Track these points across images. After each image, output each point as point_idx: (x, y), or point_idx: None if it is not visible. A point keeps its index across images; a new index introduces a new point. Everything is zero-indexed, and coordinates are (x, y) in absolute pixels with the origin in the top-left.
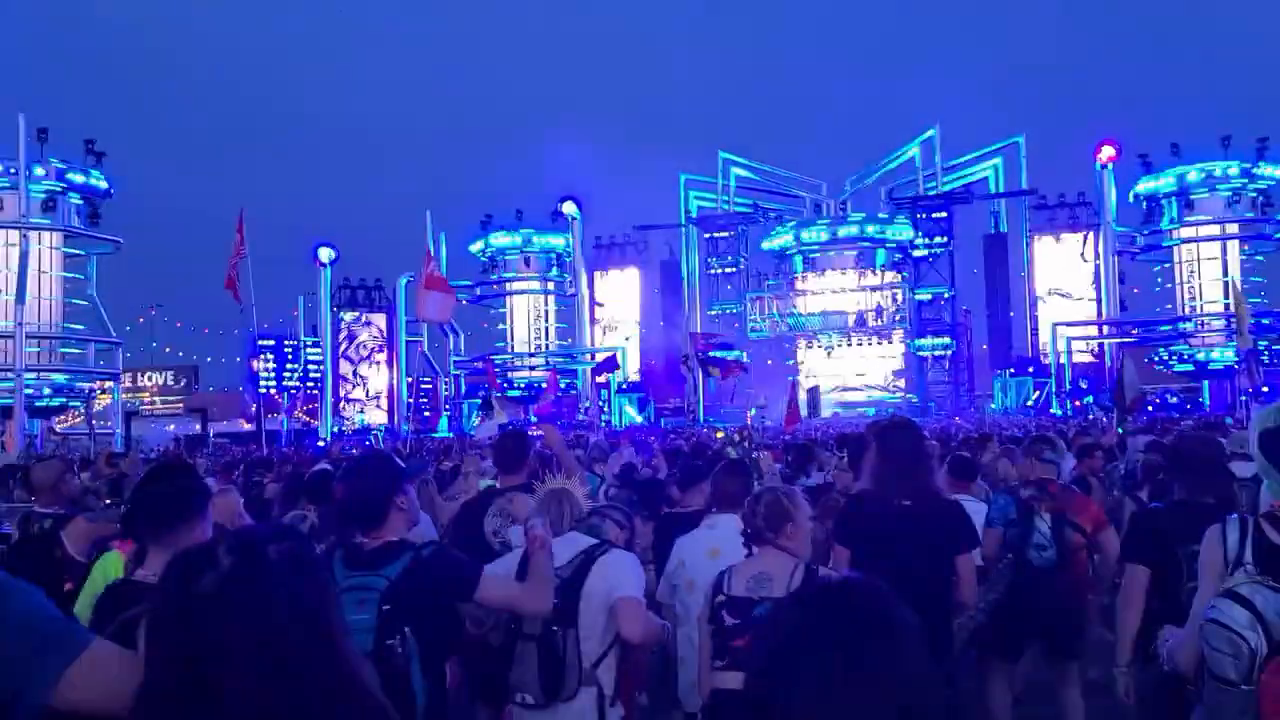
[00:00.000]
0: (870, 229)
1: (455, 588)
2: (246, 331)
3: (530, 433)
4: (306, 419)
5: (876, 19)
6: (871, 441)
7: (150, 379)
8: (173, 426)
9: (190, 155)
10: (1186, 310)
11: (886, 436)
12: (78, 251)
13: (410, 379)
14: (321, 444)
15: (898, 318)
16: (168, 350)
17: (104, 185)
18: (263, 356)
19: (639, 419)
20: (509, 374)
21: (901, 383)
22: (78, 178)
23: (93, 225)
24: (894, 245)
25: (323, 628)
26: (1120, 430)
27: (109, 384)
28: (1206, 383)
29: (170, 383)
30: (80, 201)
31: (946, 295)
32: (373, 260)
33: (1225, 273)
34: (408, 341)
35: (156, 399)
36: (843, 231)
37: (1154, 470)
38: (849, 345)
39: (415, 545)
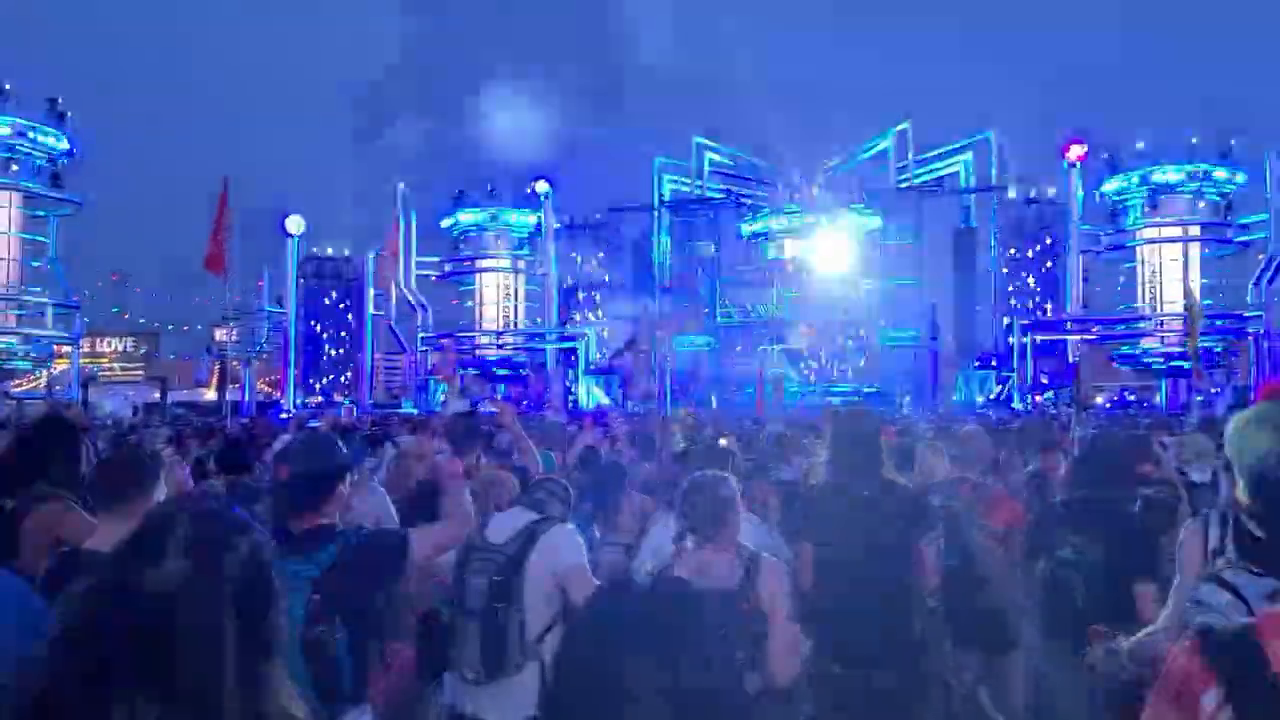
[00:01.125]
0: (842, 219)
1: (391, 563)
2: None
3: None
4: (269, 390)
5: (857, 9)
6: (827, 430)
7: (110, 345)
8: (132, 393)
9: (157, 118)
10: (1148, 310)
11: (841, 425)
12: (38, 213)
13: (377, 355)
14: (285, 416)
15: (865, 309)
16: (127, 316)
17: (65, 145)
18: (227, 327)
19: (606, 401)
20: (476, 352)
21: (867, 374)
22: (39, 136)
23: (54, 186)
24: (863, 236)
25: (269, 648)
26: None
27: (67, 348)
28: (1164, 381)
29: (130, 349)
30: (42, 161)
31: (915, 287)
32: (341, 233)
33: (1186, 274)
34: (374, 316)
35: (115, 365)
36: (814, 221)
37: None
38: (816, 334)
39: (344, 531)
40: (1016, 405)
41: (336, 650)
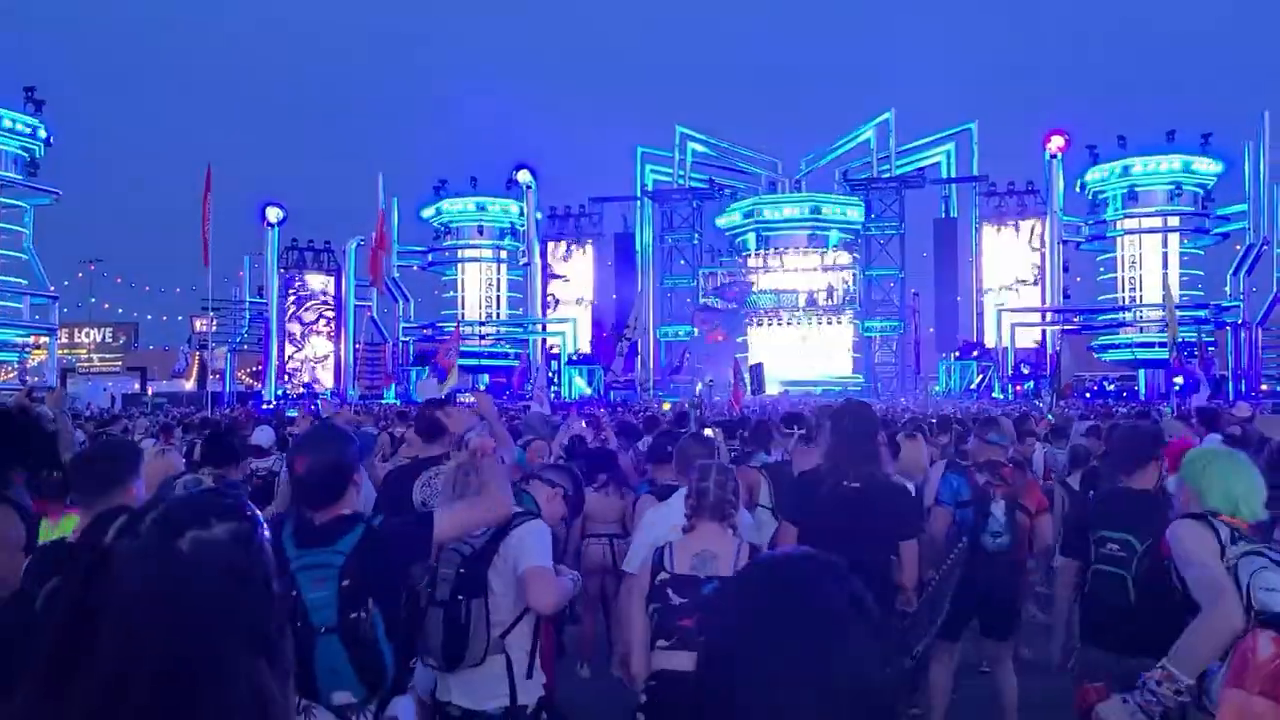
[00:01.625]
0: (824, 209)
1: (414, 547)
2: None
3: (464, 400)
4: (250, 381)
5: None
6: (826, 422)
7: (88, 335)
8: (111, 384)
9: (135, 107)
10: (1127, 300)
11: (842, 418)
12: (15, 203)
13: (359, 345)
14: (267, 406)
15: (848, 298)
16: (106, 307)
17: (43, 134)
18: (207, 317)
19: (588, 391)
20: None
21: (849, 363)
22: (15, 125)
23: (31, 176)
24: (846, 226)
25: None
26: (1050, 417)
27: (44, 339)
28: (1143, 371)
29: (109, 339)
30: (18, 151)
31: (896, 277)
32: (322, 222)
33: (1165, 265)
34: (356, 306)
35: (94, 356)
36: (796, 210)
37: (1084, 456)
38: (799, 324)
39: (364, 517)
40: (997, 395)
41: (375, 633)
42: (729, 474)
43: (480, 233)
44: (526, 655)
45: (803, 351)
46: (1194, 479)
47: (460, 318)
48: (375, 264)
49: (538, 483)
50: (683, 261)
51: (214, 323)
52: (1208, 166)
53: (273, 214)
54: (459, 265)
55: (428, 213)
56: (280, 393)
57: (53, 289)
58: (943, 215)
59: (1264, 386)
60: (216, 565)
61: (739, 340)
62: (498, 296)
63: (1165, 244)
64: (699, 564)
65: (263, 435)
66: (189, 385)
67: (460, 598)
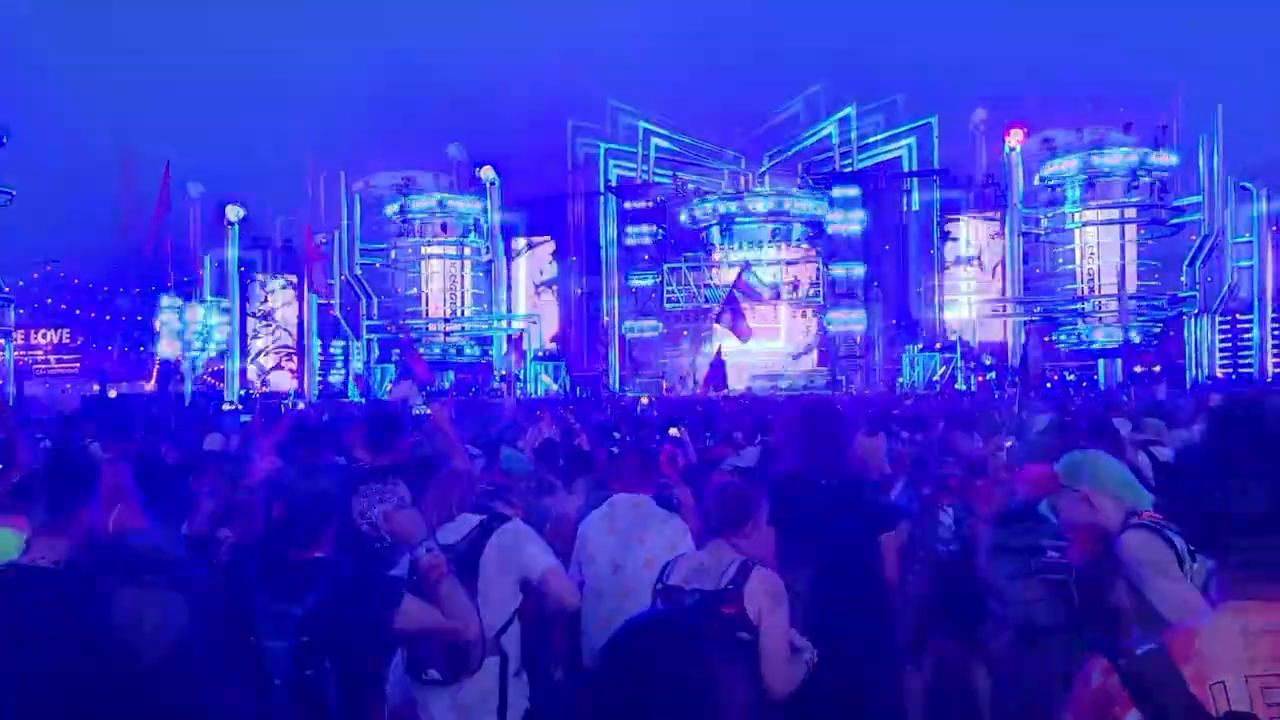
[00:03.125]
0: (787, 204)
1: (379, 611)
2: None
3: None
4: (212, 382)
5: None
6: (796, 422)
7: (44, 336)
8: (70, 386)
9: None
10: (1085, 291)
11: (812, 419)
12: None
13: (320, 342)
14: (229, 407)
15: (811, 292)
16: (63, 308)
17: None
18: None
19: (555, 387)
20: (424, 340)
21: (814, 356)
22: None
23: None
24: (809, 220)
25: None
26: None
27: (0, 341)
28: (1101, 361)
29: (65, 341)
30: None
31: (859, 271)
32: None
33: (1122, 257)
34: (319, 304)
35: (51, 358)
36: (759, 205)
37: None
38: (765, 318)
39: (333, 565)
40: (960, 386)
41: (325, 693)
42: (731, 491)
43: (444, 230)
44: (518, 654)
45: (767, 345)
46: (1099, 482)
47: (425, 315)
48: (310, 273)
49: (500, 503)
50: (646, 257)
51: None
52: (1164, 159)
53: (232, 212)
54: (423, 263)
55: (391, 209)
56: (242, 393)
57: (7, 290)
58: (904, 209)
59: (1219, 373)
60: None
61: (704, 335)
62: (462, 294)
63: (1123, 235)
64: (692, 575)
65: (213, 441)
66: (150, 387)
67: None
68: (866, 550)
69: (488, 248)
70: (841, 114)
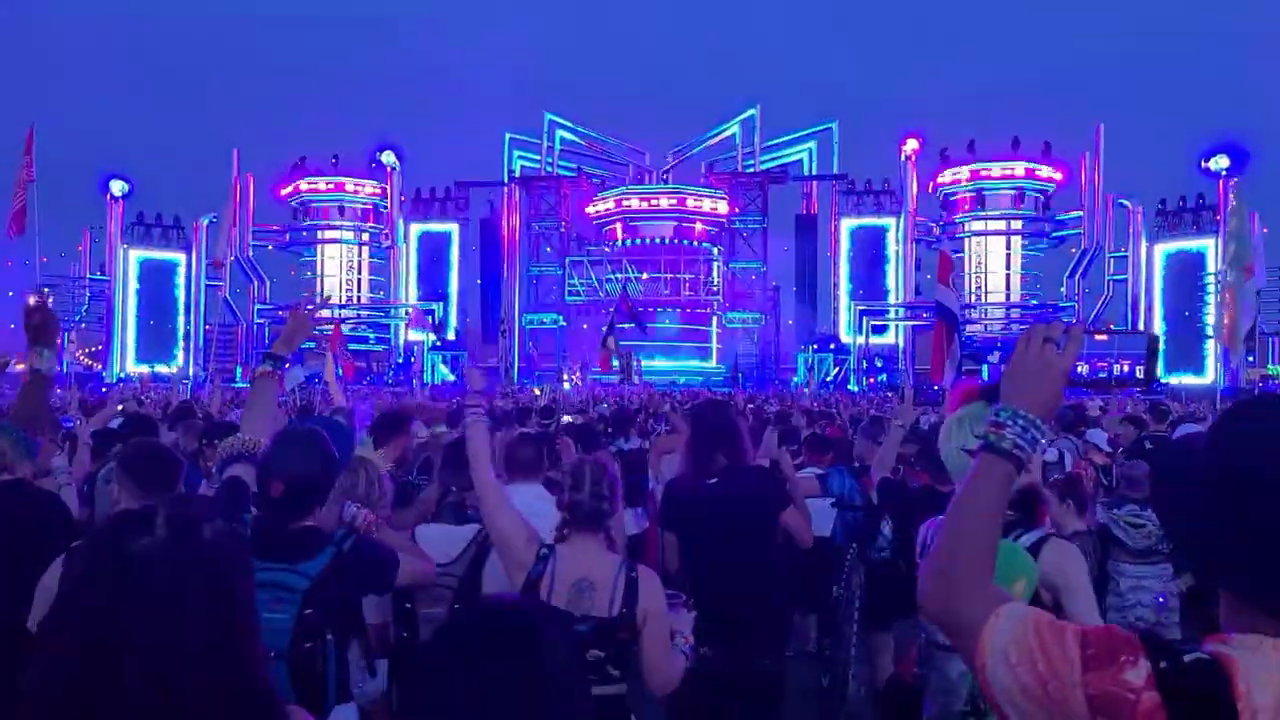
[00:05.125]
0: (690, 201)
1: (377, 582)
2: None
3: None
4: (89, 362)
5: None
6: (686, 422)
7: None
8: None
9: None
10: (973, 299)
11: (699, 416)
12: None
13: (209, 325)
14: (105, 390)
15: (712, 289)
16: None
17: None
18: (43, 291)
19: (452, 378)
20: (316, 327)
21: (712, 354)
22: None
23: None
24: (711, 219)
25: (240, 620)
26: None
27: None
28: (985, 366)
29: None
30: None
31: (759, 271)
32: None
33: (1008, 266)
34: (208, 286)
35: None
36: (663, 202)
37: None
38: (664, 314)
39: (332, 536)
40: (852, 387)
41: (325, 666)
42: (603, 471)
43: (341, 213)
44: None
45: (666, 341)
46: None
47: (320, 300)
48: (219, 251)
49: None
50: (549, 249)
51: (50, 301)
52: (1048, 174)
53: (116, 187)
54: (318, 246)
55: (286, 190)
56: (123, 374)
57: None
58: (804, 211)
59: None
60: (235, 558)
61: (604, 329)
62: (359, 279)
63: (1009, 246)
64: (575, 596)
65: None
66: (20, 366)
67: None
68: (760, 538)
69: (387, 233)
70: (744, 115)
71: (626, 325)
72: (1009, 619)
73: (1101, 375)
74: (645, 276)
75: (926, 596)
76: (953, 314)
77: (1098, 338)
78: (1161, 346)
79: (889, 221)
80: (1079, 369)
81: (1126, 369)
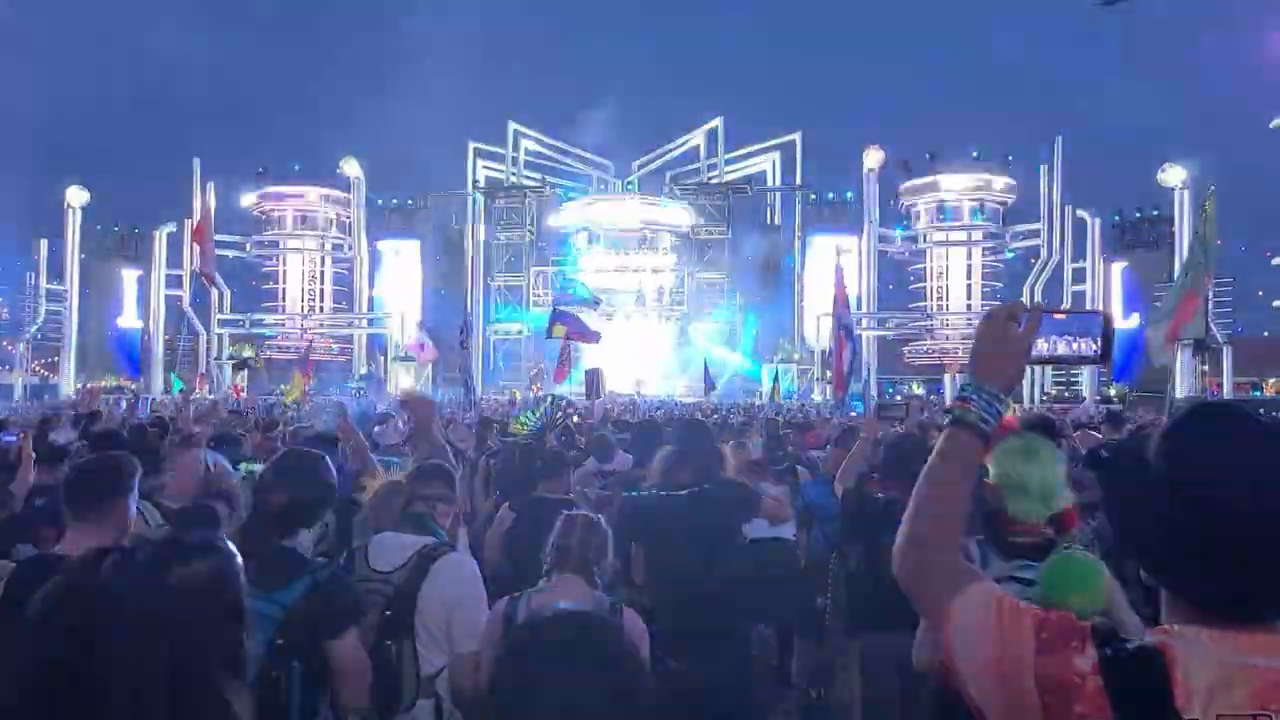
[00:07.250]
0: (655, 212)
1: (353, 614)
2: None
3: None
4: (45, 374)
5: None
6: (658, 438)
7: None
8: None
9: None
10: (935, 309)
11: (680, 440)
12: None
13: (167, 336)
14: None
15: (677, 300)
16: None
17: None
18: None
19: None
20: (279, 338)
21: (677, 365)
22: None
23: None
24: (675, 230)
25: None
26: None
27: None
28: (947, 375)
29: None
30: None
31: (723, 281)
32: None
33: (969, 276)
34: (168, 296)
35: None
36: (628, 212)
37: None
38: (628, 323)
39: (309, 564)
40: (816, 397)
41: (289, 697)
42: (595, 528)
43: (303, 223)
44: (450, 699)
45: (631, 353)
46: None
47: (282, 310)
48: (205, 255)
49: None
50: (513, 259)
51: (2, 311)
52: (1007, 186)
53: (73, 195)
54: (280, 256)
55: (247, 201)
56: (80, 387)
57: None
58: (768, 222)
59: (1052, 390)
60: (203, 597)
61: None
62: (321, 290)
63: (970, 256)
64: None
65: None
66: None
67: (389, 642)
68: (727, 550)
69: (350, 243)
70: (708, 125)
71: (579, 341)
72: (976, 596)
73: (1060, 352)
74: (610, 286)
75: (898, 565)
76: (850, 330)
77: (1056, 316)
78: (1116, 327)
79: (850, 239)
80: (1039, 346)
81: (1083, 347)
